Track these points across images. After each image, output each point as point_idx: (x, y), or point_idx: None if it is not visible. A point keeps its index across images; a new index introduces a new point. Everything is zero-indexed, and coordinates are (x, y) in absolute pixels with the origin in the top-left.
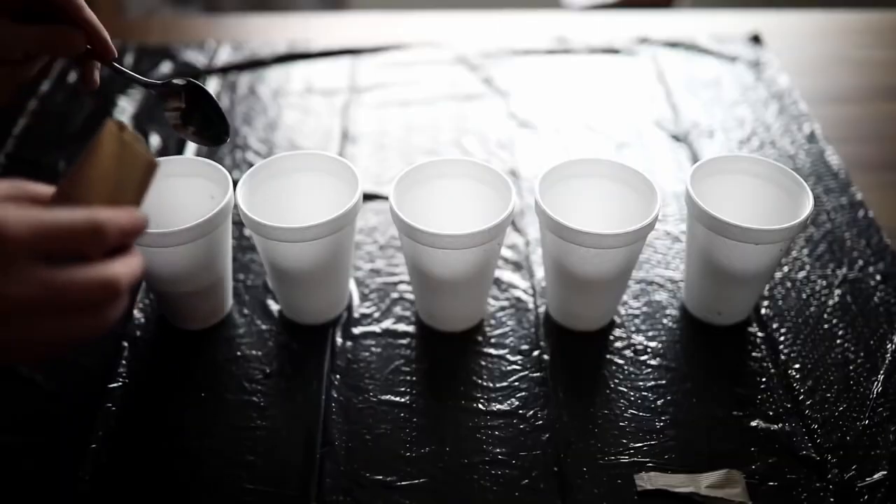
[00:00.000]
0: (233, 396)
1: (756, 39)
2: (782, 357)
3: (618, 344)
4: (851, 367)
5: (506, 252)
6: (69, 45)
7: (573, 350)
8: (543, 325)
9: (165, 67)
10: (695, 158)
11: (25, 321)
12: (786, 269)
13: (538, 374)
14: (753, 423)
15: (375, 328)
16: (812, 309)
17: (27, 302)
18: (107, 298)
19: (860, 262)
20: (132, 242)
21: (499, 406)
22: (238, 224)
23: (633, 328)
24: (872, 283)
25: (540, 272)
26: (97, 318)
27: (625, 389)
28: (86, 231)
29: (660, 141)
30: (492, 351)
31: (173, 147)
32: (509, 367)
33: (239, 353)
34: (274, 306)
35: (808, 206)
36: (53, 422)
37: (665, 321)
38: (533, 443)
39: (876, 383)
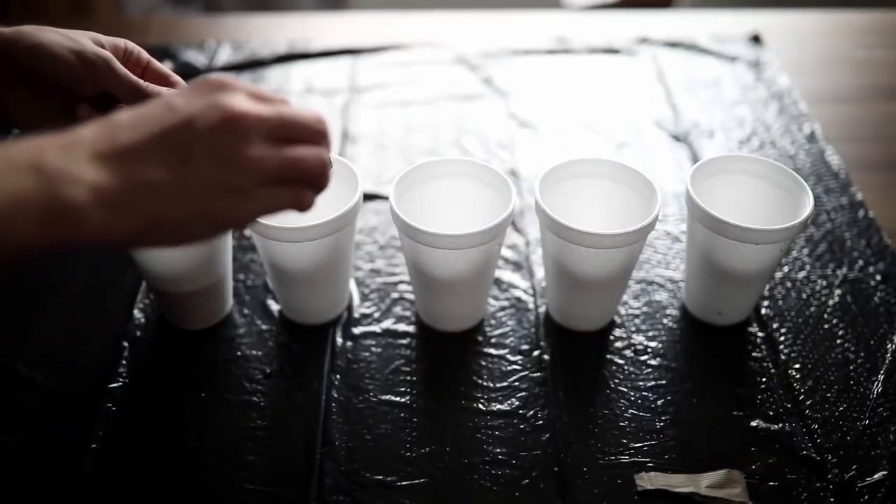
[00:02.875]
0: (233, 396)
1: (756, 39)
2: (782, 357)
3: (618, 344)
4: (851, 367)
5: (506, 252)
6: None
7: (573, 350)
8: (543, 325)
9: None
10: (695, 158)
11: (262, 141)
12: (786, 269)
13: (538, 374)
14: (753, 423)
15: (375, 328)
16: (812, 309)
17: (259, 118)
18: (321, 132)
19: (860, 262)
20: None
21: (499, 406)
22: None
23: (633, 328)
24: (872, 283)
25: (540, 272)
26: (308, 192)
27: (625, 389)
28: (314, 122)
29: (660, 141)
30: (492, 351)
31: None
32: (509, 367)
33: (239, 353)
34: (274, 306)
35: (808, 206)
36: (53, 422)
37: (665, 321)
38: (533, 443)
39: (876, 383)
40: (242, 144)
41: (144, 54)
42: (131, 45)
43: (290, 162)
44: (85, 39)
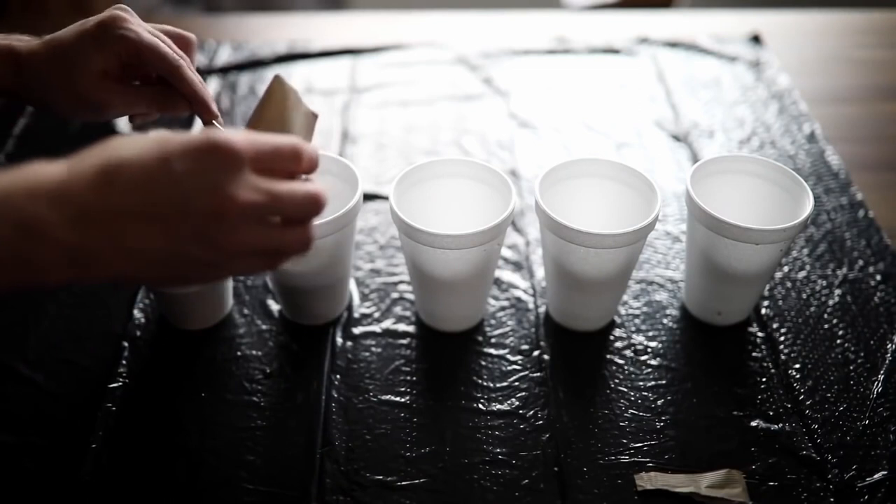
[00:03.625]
0: (233, 396)
1: (756, 39)
2: (782, 357)
3: (618, 344)
4: (851, 367)
5: (506, 252)
6: (173, 109)
7: (573, 350)
8: (543, 325)
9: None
10: (695, 158)
11: (249, 226)
12: (786, 269)
13: (538, 374)
14: (753, 423)
15: (375, 328)
16: (812, 309)
17: (252, 206)
18: (313, 212)
19: (860, 262)
20: (315, 170)
21: (499, 406)
22: None
23: (633, 328)
24: (872, 283)
25: (540, 272)
26: (302, 231)
27: (625, 389)
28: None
29: (660, 141)
30: (492, 351)
31: None
32: (509, 367)
33: (239, 353)
34: (274, 306)
35: (808, 206)
36: (53, 422)
37: (665, 321)
38: (533, 443)
39: (876, 383)
40: (229, 232)
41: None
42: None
43: (271, 243)
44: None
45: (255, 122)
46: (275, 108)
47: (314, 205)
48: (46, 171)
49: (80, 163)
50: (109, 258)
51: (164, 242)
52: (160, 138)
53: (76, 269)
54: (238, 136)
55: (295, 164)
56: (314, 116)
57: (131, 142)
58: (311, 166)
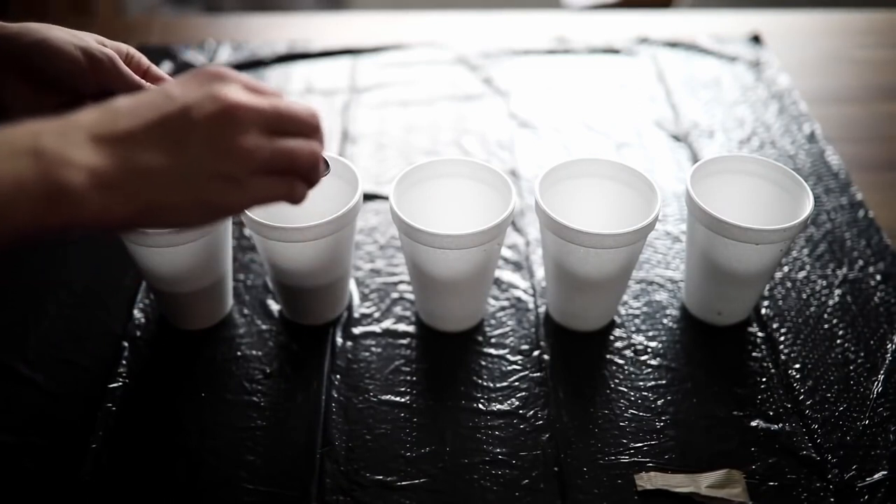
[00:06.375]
0: (233, 396)
1: (756, 39)
2: (782, 357)
3: (618, 344)
4: (851, 367)
5: (506, 252)
6: None
7: (573, 350)
8: (543, 325)
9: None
10: (695, 158)
11: (257, 133)
12: (786, 269)
13: (538, 374)
14: (753, 423)
15: (375, 328)
16: (812, 309)
17: (256, 109)
18: (313, 124)
19: (860, 262)
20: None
21: (499, 406)
22: (238, 224)
23: (633, 328)
24: (872, 283)
25: (540, 272)
26: (309, 144)
27: (625, 389)
28: (307, 116)
29: (660, 141)
30: (492, 351)
31: None
32: (509, 367)
33: (239, 353)
34: (274, 306)
35: (808, 206)
36: (53, 422)
37: (665, 321)
38: (533, 443)
39: (876, 383)
40: (237, 134)
41: (145, 59)
42: (132, 49)
43: (282, 153)
44: (89, 38)
45: None
46: None
47: (314, 117)
48: (42, 122)
49: (76, 112)
50: (131, 184)
51: (177, 159)
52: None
53: (106, 195)
54: (253, 98)
55: (310, 126)
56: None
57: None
58: (319, 128)
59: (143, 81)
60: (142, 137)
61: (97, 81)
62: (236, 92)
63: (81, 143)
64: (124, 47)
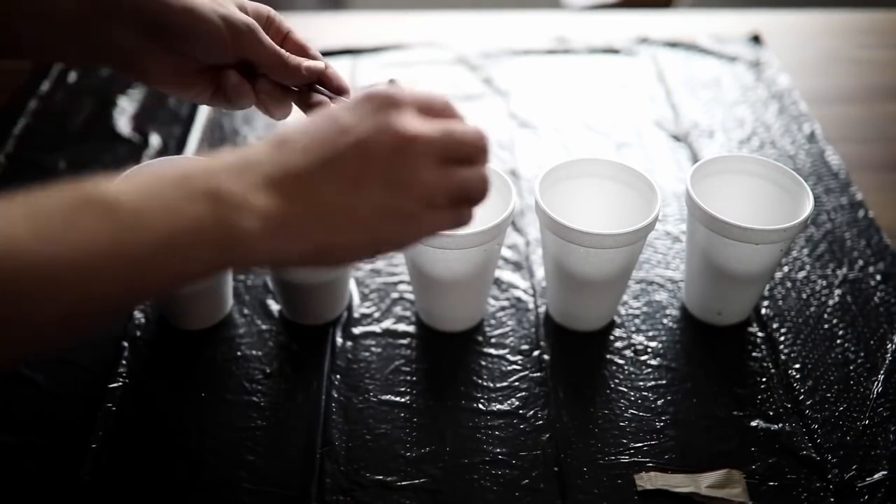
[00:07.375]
0: (233, 396)
1: (756, 39)
2: (782, 357)
3: (618, 344)
4: (851, 367)
5: (506, 252)
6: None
7: (573, 350)
8: (543, 325)
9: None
10: (695, 158)
11: (431, 164)
12: (786, 269)
13: (538, 374)
14: (753, 423)
15: (375, 328)
16: (812, 309)
17: (428, 139)
18: (483, 148)
19: (860, 262)
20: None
21: (499, 406)
22: None
23: (633, 328)
24: (872, 283)
25: (540, 272)
26: (479, 171)
27: (625, 389)
28: (476, 138)
29: (660, 141)
30: (492, 351)
31: (173, 147)
32: (509, 367)
33: (239, 353)
34: (274, 306)
35: (808, 206)
36: (53, 422)
37: (665, 321)
38: (533, 443)
39: (876, 383)
40: (414, 169)
41: (285, 23)
42: (273, 12)
43: (457, 186)
44: (231, 5)
45: None
46: None
47: (483, 140)
48: (212, 159)
49: (245, 147)
50: (306, 227)
51: (353, 198)
52: (317, 111)
53: (280, 240)
54: (426, 124)
55: (480, 150)
56: None
57: (292, 124)
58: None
59: (282, 52)
60: (317, 176)
61: (237, 51)
62: (411, 121)
63: (256, 186)
64: (264, 10)
